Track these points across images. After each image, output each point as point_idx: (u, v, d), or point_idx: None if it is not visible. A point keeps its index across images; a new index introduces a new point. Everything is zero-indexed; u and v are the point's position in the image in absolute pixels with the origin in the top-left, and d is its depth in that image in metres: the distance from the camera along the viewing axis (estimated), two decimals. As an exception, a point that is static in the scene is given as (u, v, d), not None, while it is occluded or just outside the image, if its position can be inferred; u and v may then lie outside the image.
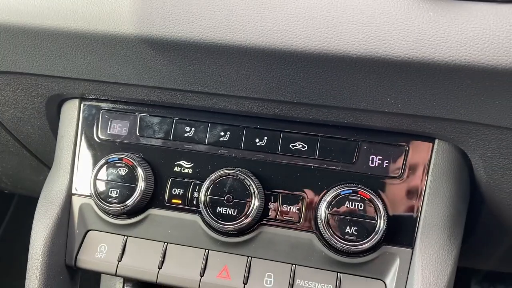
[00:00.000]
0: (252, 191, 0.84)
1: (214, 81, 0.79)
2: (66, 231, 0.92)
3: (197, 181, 0.89)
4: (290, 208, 0.85)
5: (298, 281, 0.84)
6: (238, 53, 0.70)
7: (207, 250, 0.88)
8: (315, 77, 0.72)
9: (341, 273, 0.83)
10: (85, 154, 0.94)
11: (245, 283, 0.85)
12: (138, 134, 0.93)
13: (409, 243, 0.82)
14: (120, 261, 0.89)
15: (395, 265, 0.82)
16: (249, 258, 0.86)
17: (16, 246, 2.22)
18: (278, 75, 0.73)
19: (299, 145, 0.87)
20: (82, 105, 0.95)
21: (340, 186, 0.83)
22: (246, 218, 0.83)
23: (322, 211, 0.81)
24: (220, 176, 0.85)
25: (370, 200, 0.80)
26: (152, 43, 0.72)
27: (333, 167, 0.85)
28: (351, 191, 0.81)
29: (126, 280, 1.15)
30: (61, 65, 0.83)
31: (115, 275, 0.89)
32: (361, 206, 0.80)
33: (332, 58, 0.67)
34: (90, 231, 0.92)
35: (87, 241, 0.92)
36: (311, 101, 0.77)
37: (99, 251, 0.91)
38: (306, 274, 0.84)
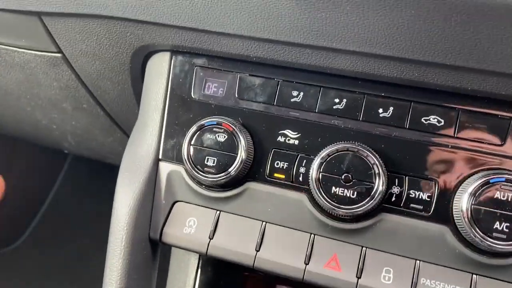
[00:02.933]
0: (377, 172, 0.70)
1: (346, 32, 0.65)
2: (151, 201, 0.82)
3: (304, 155, 0.76)
4: (419, 195, 0.72)
5: (423, 280, 0.71)
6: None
7: (313, 235, 0.75)
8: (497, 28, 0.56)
9: (477, 274, 0.70)
10: (175, 115, 0.83)
11: (358, 277, 0.72)
12: (237, 96, 0.80)
13: None
14: (212, 239, 0.78)
15: (549, 272, 0.67)
16: (364, 248, 0.73)
17: (68, 208, 2.20)
18: (446, 25, 0.58)
19: (433, 119, 0.72)
20: (173, 59, 0.84)
21: (488, 172, 0.68)
22: (367, 202, 0.70)
23: (464, 201, 0.67)
24: (337, 151, 0.72)
25: (528, 189, 0.65)
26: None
27: (475, 148, 0.70)
28: (504, 179, 0.66)
29: (203, 258, 1.06)
30: (156, 7, 0.71)
31: (206, 255, 0.78)
32: (516, 198, 0.66)
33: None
34: (178, 203, 0.82)
35: (174, 213, 0.81)
36: (471, 64, 0.62)
37: (187, 226, 0.80)
38: (433, 273, 0.71)
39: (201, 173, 0.76)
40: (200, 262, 1.06)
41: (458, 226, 0.69)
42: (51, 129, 1.34)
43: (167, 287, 1.12)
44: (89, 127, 1.23)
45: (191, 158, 0.77)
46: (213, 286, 1.08)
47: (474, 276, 0.70)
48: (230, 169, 0.75)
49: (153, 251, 0.84)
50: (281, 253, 0.76)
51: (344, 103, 0.76)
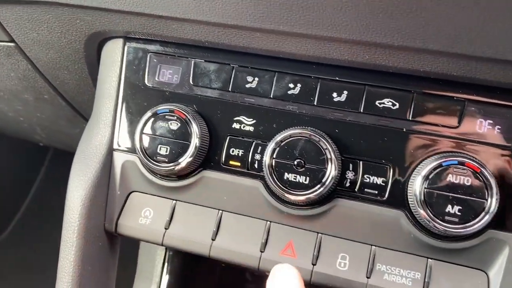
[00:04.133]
0: (329, 156, 0.69)
1: (292, 14, 0.63)
2: (106, 191, 0.80)
3: (260, 141, 0.75)
4: (373, 180, 0.70)
5: (379, 266, 0.70)
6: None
7: (269, 222, 0.74)
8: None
9: (432, 259, 0.69)
10: (129, 104, 0.81)
11: (314, 264, 0.71)
12: (191, 83, 0.78)
13: (523, 229, 0.66)
14: (168, 229, 0.77)
15: (502, 255, 0.67)
16: (320, 235, 0.72)
17: (51, 201, 2.17)
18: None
19: (388, 102, 0.71)
20: (126, 46, 0.81)
21: (441, 155, 0.67)
22: (319, 188, 0.69)
23: (417, 185, 0.66)
24: (290, 136, 0.71)
25: (480, 174, 0.64)
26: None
27: (430, 131, 0.69)
28: (456, 162, 0.65)
29: (169, 249, 1.05)
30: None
31: (161, 244, 0.77)
32: (468, 180, 0.65)
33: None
34: (134, 193, 0.80)
35: (129, 204, 0.80)
36: (418, 44, 0.61)
37: (143, 216, 0.79)
38: (389, 258, 0.70)
39: (154, 162, 0.75)
40: (167, 253, 1.05)
41: (412, 210, 0.68)
42: (19, 121, 1.32)
43: (135, 278, 1.11)
44: (54, 118, 1.20)
45: (143, 147, 0.75)
46: (180, 276, 1.07)
47: (430, 260, 0.69)
48: (183, 158, 0.74)
49: (110, 243, 0.82)
50: (237, 241, 0.75)
51: (299, 88, 0.74)
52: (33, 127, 1.35)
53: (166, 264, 1.05)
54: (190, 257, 1.04)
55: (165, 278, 1.05)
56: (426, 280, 0.68)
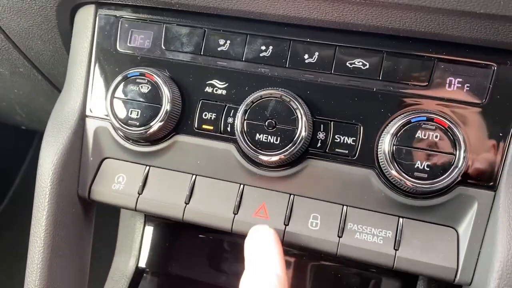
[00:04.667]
0: (299, 116, 0.69)
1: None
2: (79, 158, 0.80)
3: (232, 105, 0.74)
4: (344, 139, 0.71)
5: (350, 225, 0.70)
6: None
7: (242, 185, 0.74)
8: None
9: (403, 217, 0.69)
10: (101, 70, 0.80)
11: (286, 224, 0.72)
12: (163, 47, 0.78)
13: (492, 184, 0.66)
14: (141, 194, 0.77)
15: (471, 211, 0.67)
16: (292, 195, 0.73)
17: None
18: None
19: (358, 62, 0.71)
20: (98, 12, 0.81)
21: (411, 112, 0.67)
22: (290, 148, 0.69)
23: (386, 142, 0.66)
24: (261, 97, 0.71)
25: (449, 130, 0.64)
26: None
27: (400, 91, 0.69)
28: (425, 118, 0.65)
29: (148, 218, 1.05)
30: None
31: (135, 209, 0.77)
32: (436, 136, 0.65)
33: None
34: (107, 159, 0.80)
35: (103, 170, 0.79)
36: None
37: (116, 182, 0.78)
38: (360, 217, 0.70)
39: (125, 126, 0.74)
40: (146, 226, 1.05)
41: (382, 168, 0.68)
42: (-4, 100, 1.31)
43: (115, 253, 1.11)
44: (33, 95, 1.19)
45: (114, 111, 0.75)
46: (159, 249, 1.07)
47: (401, 219, 0.69)
48: (154, 122, 0.73)
49: (84, 209, 0.82)
50: (210, 204, 0.74)
51: (271, 50, 0.74)
52: (12, 106, 1.34)
53: (145, 237, 1.05)
54: (169, 230, 1.04)
55: (144, 251, 1.05)
56: (397, 238, 0.68)
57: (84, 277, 0.86)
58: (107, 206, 0.80)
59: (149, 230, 1.06)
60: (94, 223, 0.86)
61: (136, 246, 1.06)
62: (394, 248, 0.68)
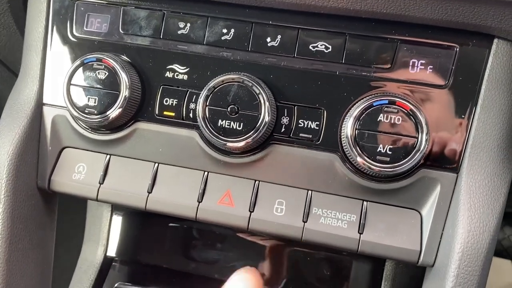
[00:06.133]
0: (262, 101, 0.67)
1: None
2: (36, 148, 0.77)
3: (194, 90, 0.72)
4: (308, 124, 0.70)
5: (315, 210, 0.70)
6: None
7: (206, 172, 0.73)
8: None
9: (367, 201, 0.69)
10: (57, 56, 0.77)
11: (251, 211, 0.71)
12: (121, 31, 0.75)
13: (454, 166, 0.67)
14: (102, 183, 0.75)
15: (434, 193, 0.67)
16: (257, 182, 0.72)
17: None
18: None
19: (321, 45, 0.70)
20: (51, -6, 0.77)
21: (373, 96, 0.66)
22: (253, 134, 0.67)
23: (349, 126, 0.65)
24: (222, 82, 0.69)
25: (411, 113, 0.64)
26: None
27: (363, 74, 0.68)
28: (386, 101, 0.65)
29: (115, 207, 1.03)
30: None
31: (96, 199, 0.75)
32: (398, 119, 0.64)
33: None
34: (66, 149, 0.77)
35: (62, 160, 0.77)
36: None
37: (77, 172, 0.76)
38: (325, 202, 0.70)
39: (83, 114, 0.71)
40: (113, 215, 1.03)
41: (345, 152, 0.67)
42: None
43: (83, 242, 1.09)
44: (-10, 81, 1.14)
45: (71, 99, 0.72)
46: (128, 238, 1.05)
47: (365, 202, 0.69)
48: (112, 109, 0.71)
49: (45, 201, 0.80)
50: (174, 192, 0.73)
51: (232, 33, 0.72)
52: (-28, 93, 1.28)
53: (112, 226, 1.03)
54: (137, 218, 1.02)
55: (113, 239, 1.03)
56: (361, 222, 0.68)
57: (48, 269, 0.84)
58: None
59: (117, 218, 1.04)
60: (56, 213, 0.83)
61: (104, 235, 1.04)
62: (359, 232, 0.68)
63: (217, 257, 1.03)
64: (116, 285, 1.00)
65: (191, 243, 1.02)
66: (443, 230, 0.66)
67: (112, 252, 1.05)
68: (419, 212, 0.68)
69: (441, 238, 0.66)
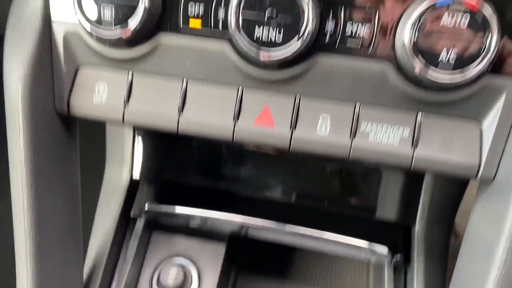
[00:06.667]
0: (306, 3, 0.58)
1: None
2: (50, 69, 0.69)
3: (223, -8, 0.63)
4: (357, 28, 0.61)
5: (364, 124, 0.64)
6: None
7: (241, 88, 0.66)
8: None
9: (422, 112, 0.63)
10: (59, -41, 0.66)
11: (293, 129, 0.65)
12: None
13: (524, 71, 0.59)
14: (127, 104, 0.68)
15: (499, 103, 0.60)
16: (298, 96, 0.65)
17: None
18: None
19: None
20: None
21: (435, -7, 0.57)
22: (296, 41, 0.59)
23: (407, 30, 0.57)
24: (258, -19, 0.59)
25: (479, 12, 0.55)
26: None
27: (422, -34, 0.58)
28: (451, 1, 0.55)
29: (137, 129, 0.97)
30: None
31: (123, 122, 0.69)
32: (464, 21, 0.56)
33: None
34: (83, 68, 0.69)
35: (79, 80, 0.69)
36: None
37: (97, 93, 0.69)
38: (375, 115, 0.63)
39: (98, 26, 0.63)
40: (136, 134, 0.98)
41: (400, 60, 0.59)
42: None
43: (106, 163, 1.05)
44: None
45: (83, 11, 0.63)
46: (153, 155, 1.01)
47: (419, 114, 0.63)
48: (131, 19, 0.62)
49: (65, 127, 0.74)
50: (206, 111, 0.67)
51: None
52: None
53: (136, 145, 0.99)
54: (161, 135, 0.97)
55: (137, 160, 0.99)
56: (415, 135, 0.62)
57: (76, 203, 0.80)
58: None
59: (140, 136, 1.00)
60: (78, 142, 0.78)
61: (128, 155, 1.00)
62: (412, 147, 0.63)
63: (247, 173, 1.00)
64: (146, 207, 0.98)
65: (219, 159, 0.98)
66: (505, 145, 0.61)
67: (137, 172, 1.02)
68: (480, 124, 0.62)
69: (503, 152, 0.61)
